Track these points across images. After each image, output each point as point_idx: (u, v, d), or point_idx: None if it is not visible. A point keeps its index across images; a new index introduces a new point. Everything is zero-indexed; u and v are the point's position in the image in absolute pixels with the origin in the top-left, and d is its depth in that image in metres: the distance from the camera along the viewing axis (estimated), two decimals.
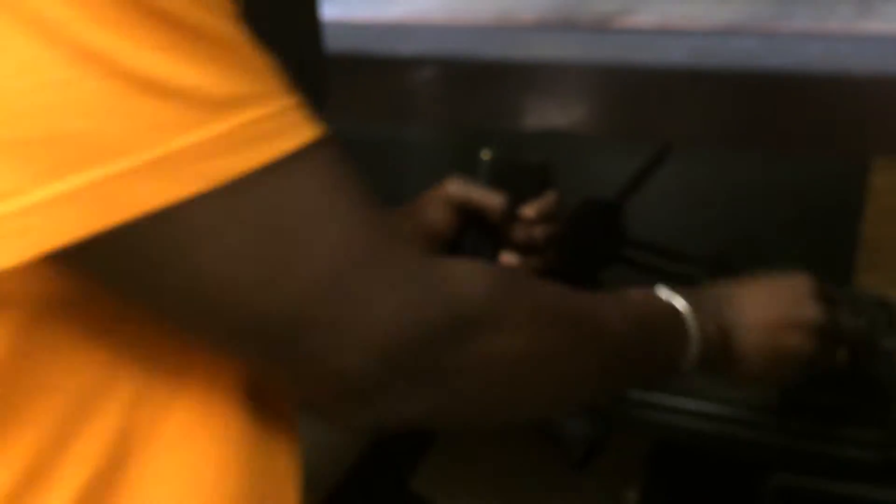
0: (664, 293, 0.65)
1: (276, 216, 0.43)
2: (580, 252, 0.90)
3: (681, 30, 1.03)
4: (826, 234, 1.14)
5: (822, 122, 0.87)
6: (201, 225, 0.41)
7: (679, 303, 0.64)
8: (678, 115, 0.92)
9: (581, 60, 1.00)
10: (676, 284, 0.64)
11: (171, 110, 0.40)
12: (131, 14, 0.39)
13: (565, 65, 0.99)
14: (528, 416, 0.58)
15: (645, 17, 1.07)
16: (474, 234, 0.82)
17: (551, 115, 0.98)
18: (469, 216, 0.82)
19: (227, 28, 0.42)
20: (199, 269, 0.42)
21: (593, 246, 0.92)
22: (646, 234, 0.95)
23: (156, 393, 0.51)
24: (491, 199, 0.81)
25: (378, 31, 1.10)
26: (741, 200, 1.06)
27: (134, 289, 0.45)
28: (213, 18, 0.42)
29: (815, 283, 0.69)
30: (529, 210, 0.81)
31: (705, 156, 1.15)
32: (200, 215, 0.41)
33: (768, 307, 0.67)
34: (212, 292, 0.43)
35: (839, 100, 0.87)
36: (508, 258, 0.81)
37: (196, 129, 0.40)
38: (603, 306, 0.59)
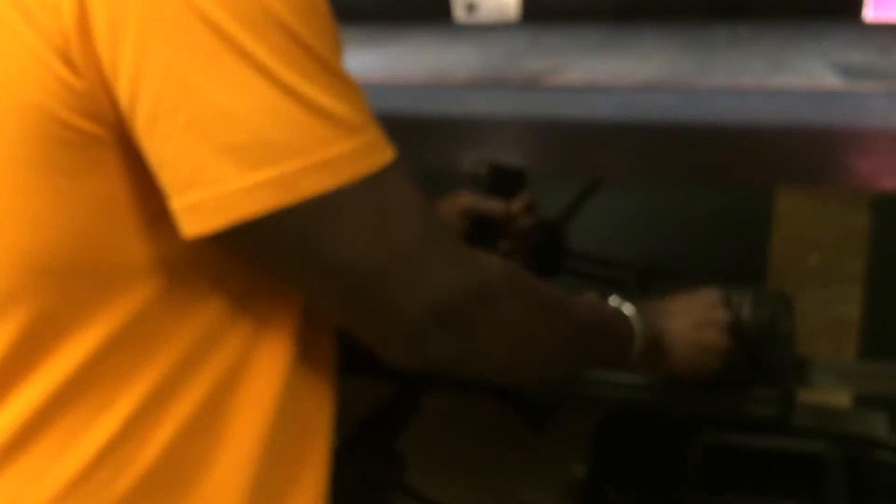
0: (615, 301, 0.82)
1: (384, 203, 0.62)
2: (532, 265, 1.07)
3: (606, 87, 1.57)
4: (739, 255, 1.32)
5: (729, 164, 1.53)
6: (340, 205, 0.60)
7: (628, 309, 0.82)
8: (607, 160, 1.54)
9: (514, 116, 1.62)
10: (612, 289, 0.83)
11: (331, 130, 0.59)
12: (317, 65, 0.59)
13: (500, 120, 1.61)
14: (518, 378, 0.79)
15: (572, 76, 1.72)
16: (475, 231, 1.05)
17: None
18: (472, 219, 1.06)
19: (352, 79, 0.62)
20: (332, 236, 0.61)
21: (542, 260, 1.11)
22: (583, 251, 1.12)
23: (261, 339, 0.69)
24: (494, 204, 1.06)
25: None
26: (665, 227, 1.23)
27: (274, 257, 0.63)
28: (346, 72, 0.61)
29: (720, 292, 0.89)
30: (518, 203, 1.06)
31: (636, 189, 1.32)
32: (340, 200, 0.60)
33: (689, 313, 0.87)
34: (334, 255, 0.61)
35: (747, 146, 1.57)
36: (504, 245, 1.05)
37: (340, 142, 0.60)
38: (572, 301, 0.78)
